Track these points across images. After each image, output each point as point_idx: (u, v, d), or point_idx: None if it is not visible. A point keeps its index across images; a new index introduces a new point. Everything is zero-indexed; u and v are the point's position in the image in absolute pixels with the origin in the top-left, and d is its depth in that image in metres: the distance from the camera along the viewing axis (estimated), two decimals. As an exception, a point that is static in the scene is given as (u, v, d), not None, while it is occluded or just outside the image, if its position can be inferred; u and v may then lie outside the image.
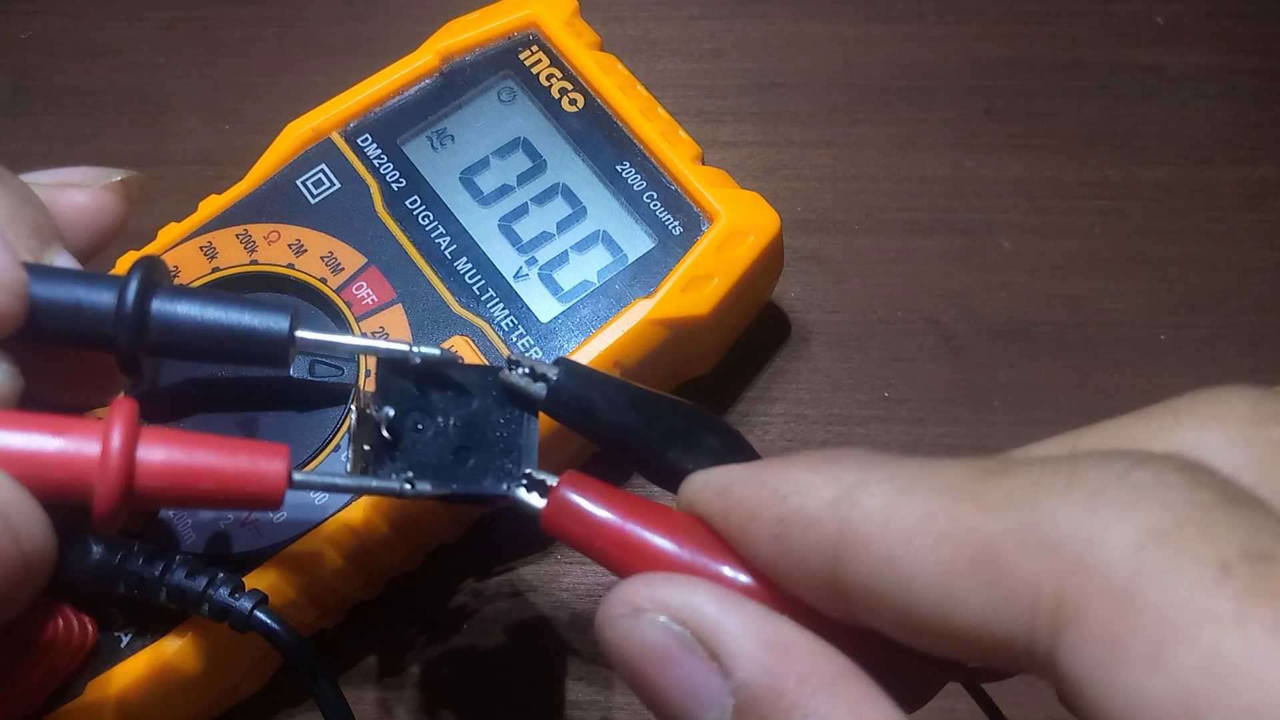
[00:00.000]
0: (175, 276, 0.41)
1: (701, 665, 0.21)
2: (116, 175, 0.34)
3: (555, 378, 0.30)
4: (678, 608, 0.22)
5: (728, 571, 0.24)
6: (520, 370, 0.30)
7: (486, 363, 0.40)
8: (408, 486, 0.29)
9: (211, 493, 0.29)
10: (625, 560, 0.25)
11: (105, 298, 0.30)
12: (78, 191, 0.33)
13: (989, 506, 0.19)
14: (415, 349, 0.30)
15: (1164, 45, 0.55)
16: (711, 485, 0.25)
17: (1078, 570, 0.18)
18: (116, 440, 0.28)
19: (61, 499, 0.27)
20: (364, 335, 0.31)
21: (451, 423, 0.30)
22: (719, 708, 0.21)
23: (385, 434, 0.30)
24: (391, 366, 0.30)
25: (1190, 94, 0.54)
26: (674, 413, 0.31)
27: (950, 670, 0.25)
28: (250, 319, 0.31)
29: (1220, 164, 0.52)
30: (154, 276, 0.31)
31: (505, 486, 0.29)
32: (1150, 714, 0.17)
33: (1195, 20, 0.55)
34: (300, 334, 0.32)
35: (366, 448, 0.30)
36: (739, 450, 0.30)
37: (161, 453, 0.29)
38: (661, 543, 0.25)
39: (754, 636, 0.21)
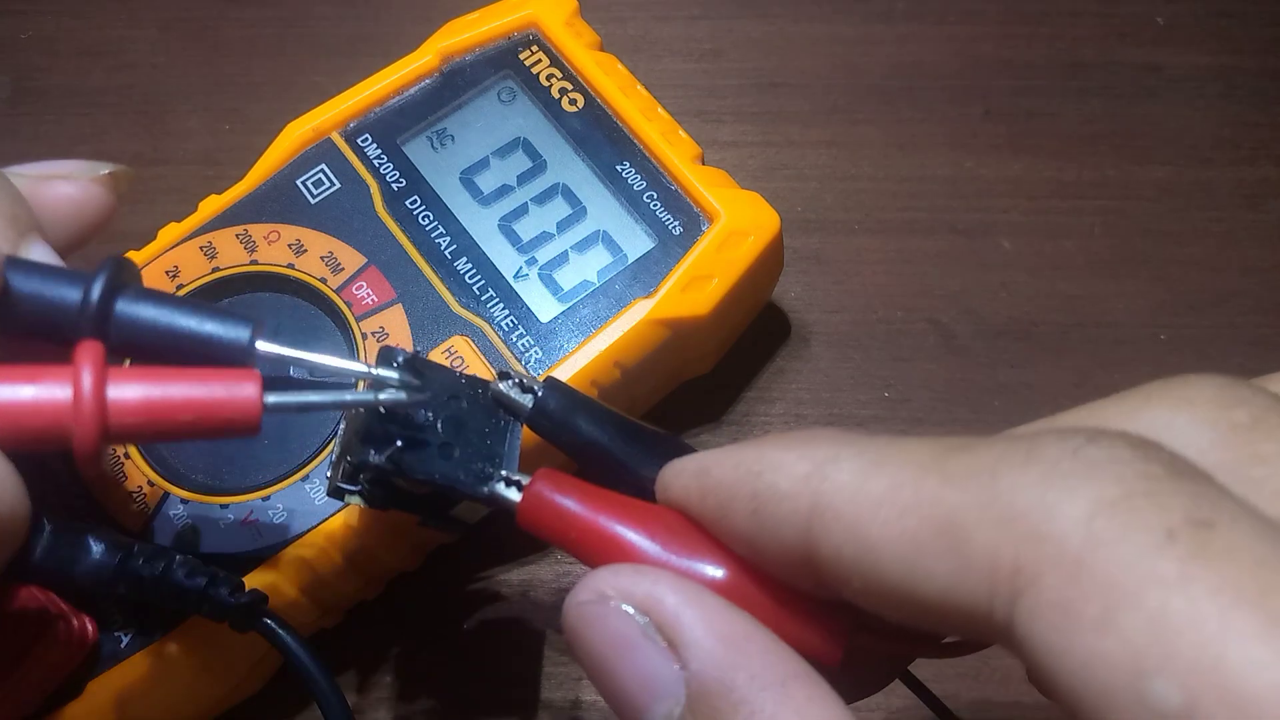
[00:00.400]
0: (176, 276, 0.41)
1: (659, 654, 0.22)
2: (104, 169, 0.34)
3: (541, 393, 0.31)
4: (641, 597, 0.23)
5: (697, 566, 0.25)
6: (511, 382, 0.32)
7: (486, 364, 0.40)
8: (383, 396, 0.30)
9: (189, 423, 0.29)
10: (597, 553, 0.26)
11: (72, 294, 0.30)
12: (64, 183, 0.33)
13: (952, 480, 0.20)
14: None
15: (1164, 45, 0.55)
16: (689, 469, 0.26)
17: (1033, 540, 0.19)
18: (87, 381, 0.28)
19: (41, 446, 0.27)
20: (322, 358, 0.31)
21: (441, 420, 0.31)
22: (673, 699, 0.22)
23: (382, 410, 0.30)
24: (393, 357, 0.31)
25: (1190, 94, 0.54)
26: (649, 439, 0.32)
27: (921, 646, 0.26)
28: (212, 326, 0.31)
29: (1220, 164, 0.52)
30: (122, 276, 0.31)
31: (485, 487, 0.30)
32: (1101, 675, 0.17)
33: (1195, 20, 0.55)
34: (263, 347, 0.31)
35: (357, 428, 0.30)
36: None
37: (134, 390, 0.28)
38: (632, 536, 0.26)
39: (710, 629, 0.22)
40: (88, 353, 0.28)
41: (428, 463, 0.30)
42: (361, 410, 0.31)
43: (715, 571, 0.25)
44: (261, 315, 0.40)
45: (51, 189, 0.32)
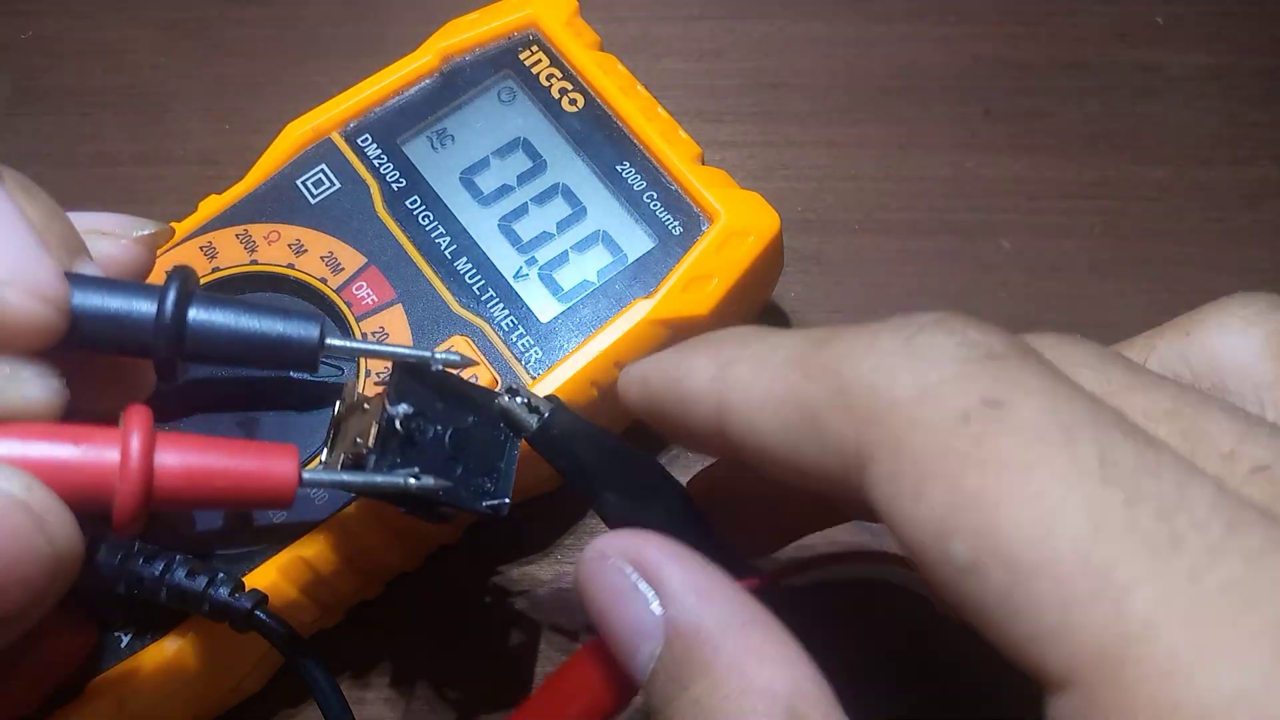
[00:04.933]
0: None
1: (644, 602, 0.25)
2: (147, 229, 0.35)
3: (546, 415, 0.32)
4: (634, 555, 0.26)
5: None
6: (519, 399, 0.32)
7: (486, 364, 0.40)
8: (413, 481, 0.31)
9: (226, 493, 0.30)
10: None
11: (145, 307, 0.31)
12: (108, 242, 0.34)
13: (811, 374, 0.24)
14: (436, 354, 0.33)
15: (1164, 45, 0.55)
16: (633, 377, 0.30)
17: (869, 424, 0.22)
18: (135, 447, 0.28)
19: (83, 507, 0.28)
20: (384, 343, 0.33)
21: (449, 433, 0.33)
22: (655, 640, 0.25)
23: (399, 428, 0.32)
24: (407, 370, 0.33)
25: (1190, 94, 0.54)
26: (642, 471, 0.33)
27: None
28: (283, 327, 0.33)
29: (1220, 164, 0.52)
30: (189, 285, 0.32)
31: (482, 504, 0.32)
32: (919, 536, 0.21)
33: (1195, 20, 0.55)
34: (330, 341, 0.34)
35: (358, 440, 0.32)
36: (687, 518, 0.32)
37: (178, 457, 0.29)
38: None
39: (685, 581, 0.25)
40: (137, 417, 0.29)
41: (431, 473, 0.31)
42: (357, 404, 0.33)
43: None
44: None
45: (95, 246, 0.33)
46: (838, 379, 0.23)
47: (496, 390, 0.33)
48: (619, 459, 0.33)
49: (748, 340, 0.26)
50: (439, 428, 0.32)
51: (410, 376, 0.33)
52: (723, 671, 0.24)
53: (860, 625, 0.30)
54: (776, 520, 0.34)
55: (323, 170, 0.43)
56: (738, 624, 0.25)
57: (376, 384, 0.34)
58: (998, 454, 0.20)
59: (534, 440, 0.32)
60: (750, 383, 0.25)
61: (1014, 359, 0.22)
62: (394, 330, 0.40)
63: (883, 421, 0.22)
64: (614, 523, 0.32)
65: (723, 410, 0.26)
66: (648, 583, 0.26)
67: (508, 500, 0.33)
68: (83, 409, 0.29)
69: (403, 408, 0.32)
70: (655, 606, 0.25)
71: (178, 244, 0.42)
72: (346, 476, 0.31)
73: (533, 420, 0.32)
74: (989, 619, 0.20)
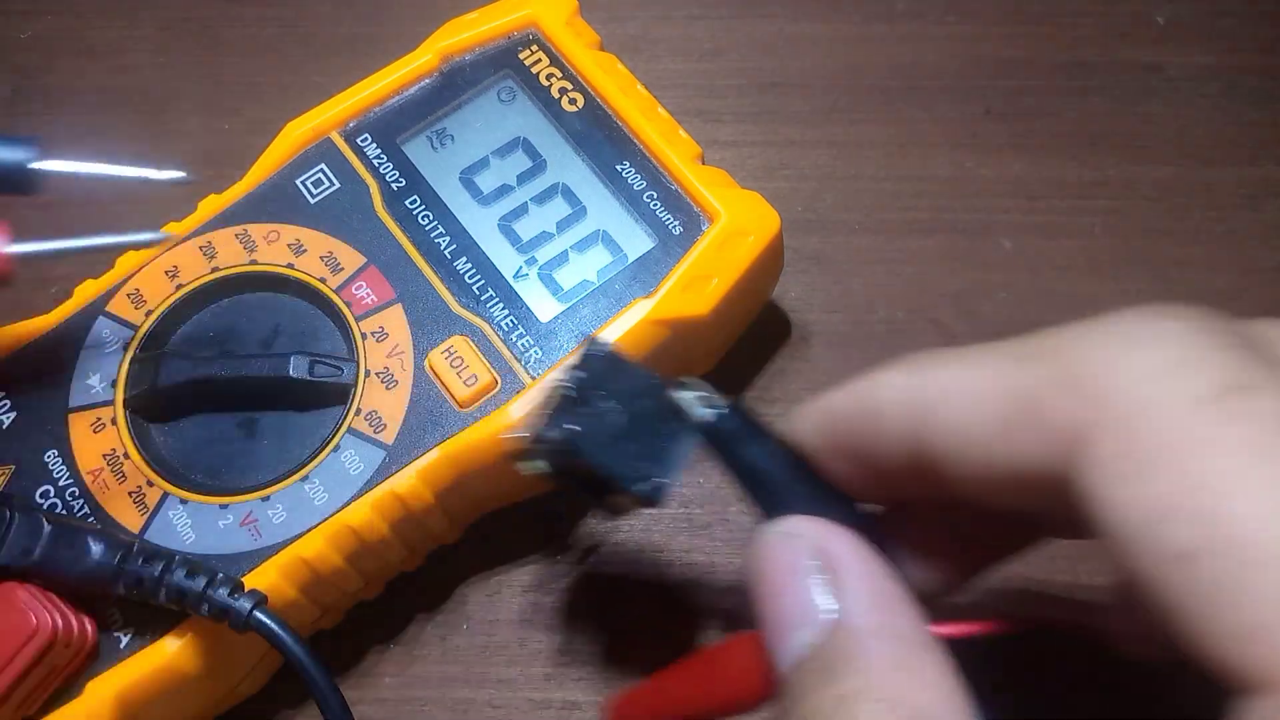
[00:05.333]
0: (175, 276, 0.41)
1: (816, 590, 0.25)
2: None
3: (722, 413, 0.32)
4: (822, 544, 0.26)
5: None
6: (695, 394, 0.32)
7: (485, 364, 0.40)
8: (557, 433, 0.33)
9: None
10: None
11: None
12: None
13: (1028, 361, 0.24)
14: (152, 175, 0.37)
15: (1165, 45, 0.55)
16: (815, 407, 0.29)
17: (1094, 405, 0.22)
18: None
19: None
20: (103, 166, 0.35)
21: (627, 414, 0.33)
22: (814, 630, 0.25)
23: (573, 392, 0.33)
24: (593, 351, 0.34)
25: (1191, 94, 0.54)
26: (810, 483, 0.31)
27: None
28: None
29: (1221, 164, 0.52)
30: None
31: (641, 485, 0.32)
32: (1129, 518, 0.20)
33: (1196, 20, 0.55)
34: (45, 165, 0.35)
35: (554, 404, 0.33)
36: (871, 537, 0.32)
37: None
38: None
39: (867, 584, 0.25)
40: None
41: (597, 450, 0.33)
42: (560, 388, 0.34)
43: None
44: (262, 315, 0.41)
45: None
46: (1061, 362, 0.23)
47: (679, 380, 0.33)
48: (797, 470, 0.31)
49: (941, 352, 0.26)
50: (615, 407, 0.33)
51: (595, 359, 0.34)
52: (878, 678, 0.24)
53: (1021, 680, 0.30)
54: (954, 554, 0.31)
55: (322, 170, 0.43)
56: (907, 641, 0.24)
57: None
58: (1237, 438, 0.20)
59: (706, 437, 0.32)
60: (955, 383, 0.25)
61: (1251, 347, 0.21)
62: (393, 330, 0.40)
63: (1111, 402, 0.22)
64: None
65: (923, 417, 0.25)
66: (828, 573, 0.26)
67: (665, 483, 0.33)
68: None
69: (576, 374, 0.33)
70: (826, 597, 0.25)
71: (177, 243, 0.42)
72: (63, 244, 0.36)
73: (709, 416, 0.32)
74: (1188, 612, 0.19)
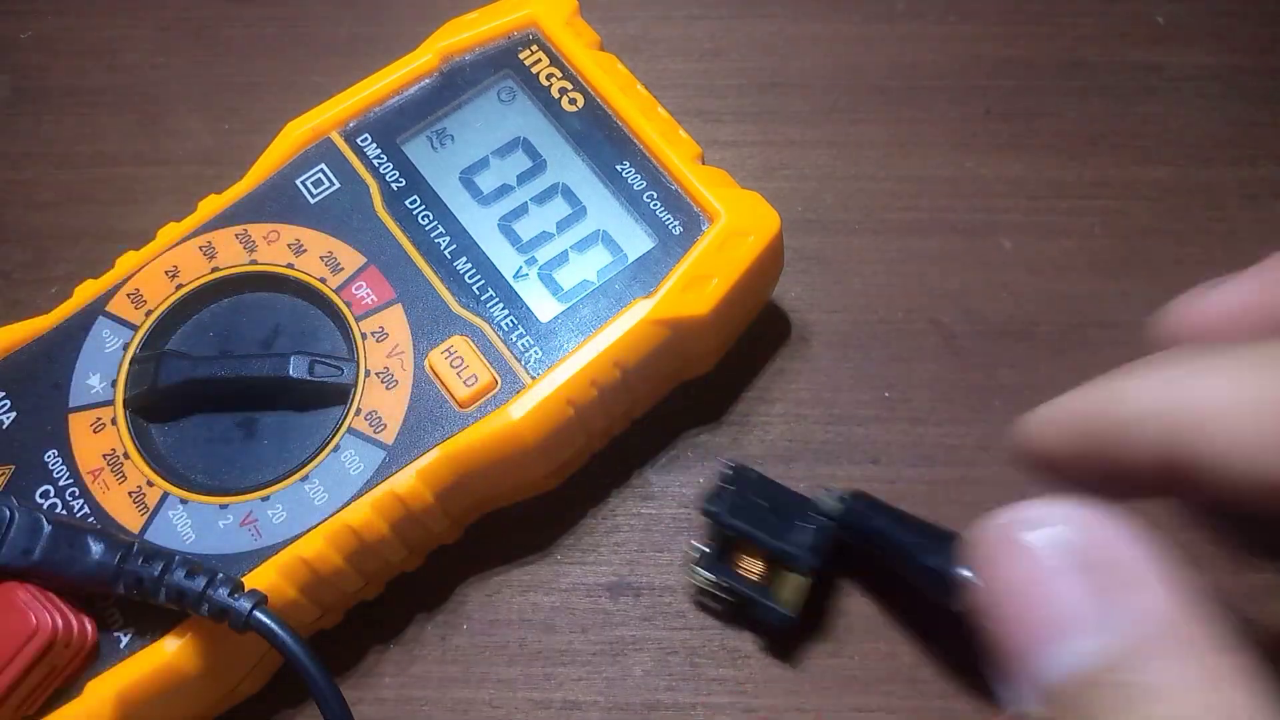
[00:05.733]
0: (175, 276, 0.41)
1: (1088, 592, 0.21)
2: None
3: (848, 502, 0.40)
4: (1085, 529, 0.22)
5: None
6: (833, 493, 0.41)
7: (486, 363, 0.40)
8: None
9: None
10: None
11: None
12: None
13: None
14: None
15: (1164, 45, 0.55)
16: (1043, 414, 0.26)
17: None
18: None
19: None
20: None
21: (773, 506, 0.41)
22: (1089, 638, 0.21)
23: (723, 479, 0.41)
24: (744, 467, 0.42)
25: (1191, 94, 0.54)
26: (931, 534, 0.39)
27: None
28: None
29: (1221, 164, 0.52)
30: None
31: (784, 547, 0.39)
32: None
33: (1196, 20, 0.55)
34: None
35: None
36: None
37: None
38: None
39: (1161, 586, 0.21)
40: None
41: (747, 523, 0.40)
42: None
43: None
44: (262, 315, 0.41)
45: None
46: None
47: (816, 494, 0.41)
48: (914, 529, 0.39)
49: (1197, 351, 0.24)
50: (761, 501, 0.41)
51: (745, 472, 0.42)
52: (1187, 708, 0.20)
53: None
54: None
55: (322, 170, 0.43)
56: (1215, 653, 0.21)
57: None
58: None
59: (840, 519, 0.40)
60: (1224, 390, 0.22)
61: None
62: (394, 330, 0.40)
63: None
64: (930, 582, 0.38)
65: (1185, 429, 0.23)
66: (1102, 571, 0.22)
67: (818, 553, 0.40)
68: None
69: (727, 467, 0.42)
70: (1106, 601, 0.21)
71: (177, 244, 0.42)
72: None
73: (839, 506, 0.40)
74: None
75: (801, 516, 0.40)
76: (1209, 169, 0.52)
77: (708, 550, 0.41)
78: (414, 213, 0.43)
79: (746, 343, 0.46)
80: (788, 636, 0.42)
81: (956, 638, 0.37)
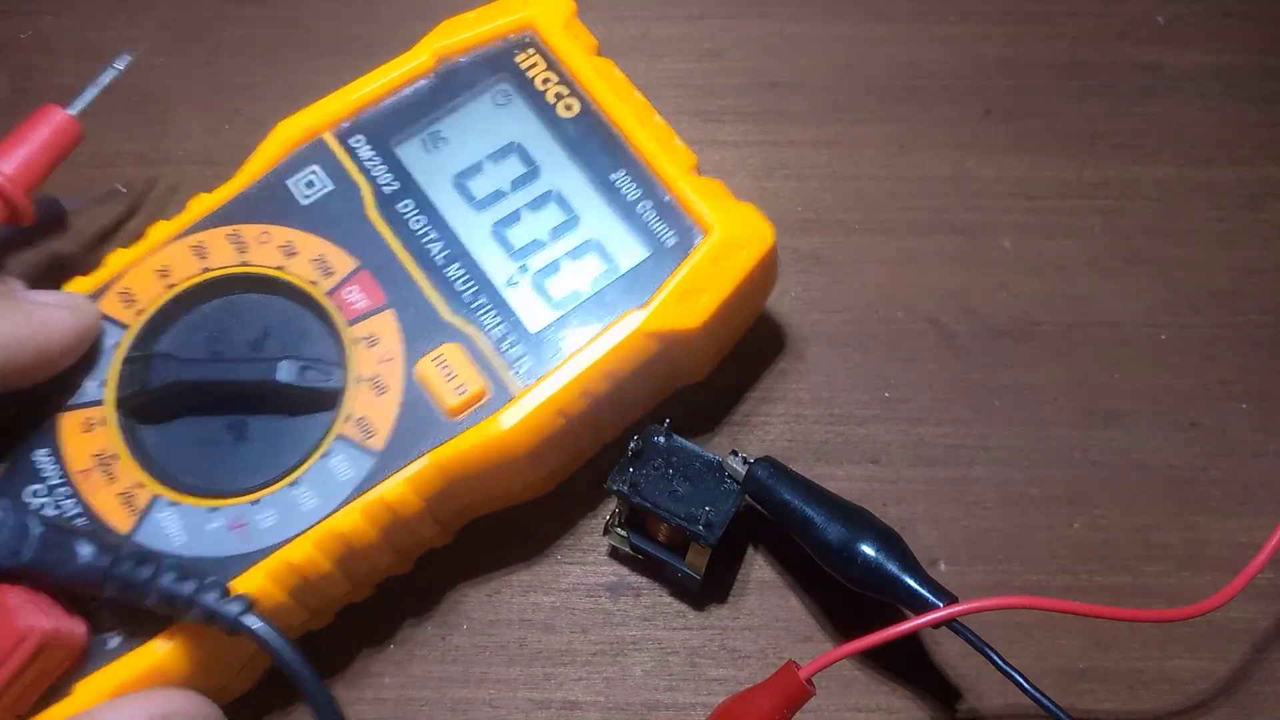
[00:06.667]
0: (166, 276, 0.41)
1: None
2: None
3: (752, 463, 0.41)
4: None
5: None
6: (739, 458, 0.42)
7: (477, 371, 0.39)
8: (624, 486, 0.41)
9: None
10: None
11: None
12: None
13: None
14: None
15: (1164, 45, 0.55)
16: None
17: None
18: None
19: None
20: None
21: (681, 475, 0.42)
22: None
23: (630, 452, 0.41)
24: (650, 434, 0.42)
25: (1191, 93, 0.53)
26: (838, 507, 0.41)
27: None
28: None
29: (1221, 163, 0.52)
30: None
31: (699, 527, 0.40)
32: None
33: (1196, 20, 0.55)
34: None
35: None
36: (897, 547, 0.40)
37: None
38: None
39: None
40: None
41: (656, 496, 0.41)
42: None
43: None
44: (253, 317, 0.41)
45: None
46: None
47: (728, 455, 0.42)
48: (819, 500, 0.41)
49: None
50: (671, 470, 0.41)
51: (657, 435, 0.42)
52: None
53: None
54: None
55: (314, 171, 0.43)
56: None
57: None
58: None
59: (745, 486, 0.41)
60: None
61: None
62: (384, 336, 0.40)
63: None
64: (828, 553, 0.40)
65: None
66: None
67: (718, 527, 0.40)
68: None
69: (634, 440, 0.41)
70: None
71: (168, 242, 0.42)
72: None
73: (743, 469, 0.41)
74: None
75: (712, 481, 0.42)
76: (1209, 169, 0.51)
77: (622, 513, 0.43)
78: (406, 216, 0.42)
79: (746, 343, 0.47)
80: (698, 597, 0.44)
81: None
